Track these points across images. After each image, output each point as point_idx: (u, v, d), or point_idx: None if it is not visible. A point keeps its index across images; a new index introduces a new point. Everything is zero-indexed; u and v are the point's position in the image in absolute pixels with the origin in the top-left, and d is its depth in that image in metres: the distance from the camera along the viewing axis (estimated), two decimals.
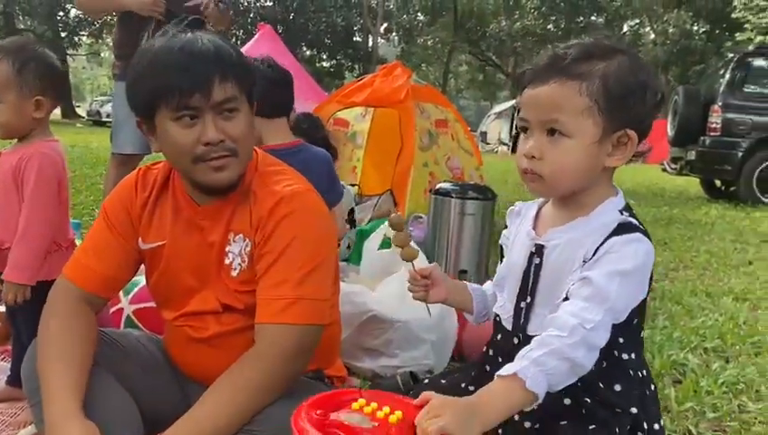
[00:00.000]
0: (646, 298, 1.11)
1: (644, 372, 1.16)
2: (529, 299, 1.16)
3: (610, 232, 1.05)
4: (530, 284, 1.16)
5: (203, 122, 1.27)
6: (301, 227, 1.32)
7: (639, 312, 1.12)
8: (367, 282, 2.33)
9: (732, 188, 8.53)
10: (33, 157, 1.66)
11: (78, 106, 34.66)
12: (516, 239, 1.24)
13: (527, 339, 1.11)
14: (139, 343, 1.53)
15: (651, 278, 1.10)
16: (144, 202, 1.44)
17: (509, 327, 1.20)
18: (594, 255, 1.05)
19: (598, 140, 1.06)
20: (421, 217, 3.71)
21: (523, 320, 1.17)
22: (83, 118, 27.61)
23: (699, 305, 3.18)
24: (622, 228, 1.06)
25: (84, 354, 1.33)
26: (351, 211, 3.31)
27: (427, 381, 1.39)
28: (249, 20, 30.82)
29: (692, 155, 8.34)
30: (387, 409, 0.97)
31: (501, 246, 1.32)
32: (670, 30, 27.64)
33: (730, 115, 7.92)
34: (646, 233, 1.08)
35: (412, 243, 1.41)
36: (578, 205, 1.13)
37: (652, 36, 31.47)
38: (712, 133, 8.00)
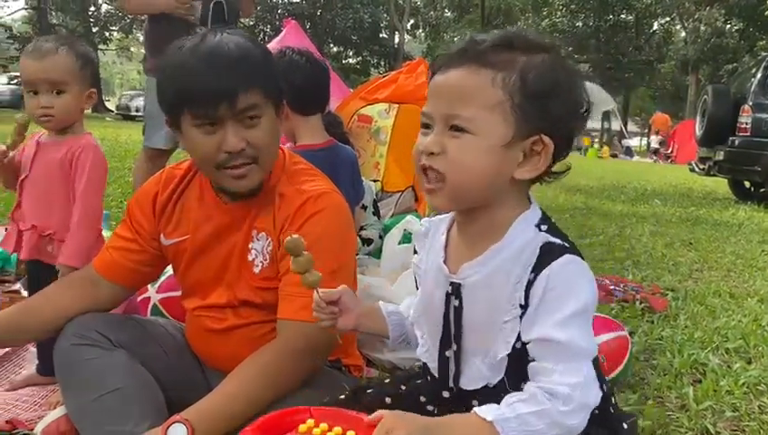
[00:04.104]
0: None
1: (613, 404, 1.05)
2: (455, 347, 1.03)
3: (534, 263, 0.93)
4: (452, 330, 1.02)
5: (224, 131, 1.29)
6: (326, 227, 1.35)
7: None
8: (387, 276, 2.36)
9: (761, 190, 8.38)
10: (87, 148, 1.72)
11: (107, 100, 35.21)
12: (428, 272, 1.08)
13: (462, 393, 1.02)
14: (165, 330, 1.58)
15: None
16: (168, 198, 1.50)
17: (437, 376, 1.08)
18: (528, 296, 0.93)
19: (507, 144, 0.92)
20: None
21: (454, 371, 1.04)
22: (113, 112, 28.04)
23: (722, 306, 3.15)
24: (546, 256, 0.92)
25: (42, 310, 1.48)
26: (375, 203, 3.34)
27: (371, 390, 1.24)
28: (277, 16, 31.00)
29: (720, 155, 8.21)
30: (338, 429, 0.96)
31: (415, 278, 1.16)
32: (702, 28, 27.19)
33: (761, 115, 7.77)
34: (572, 247, 0.95)
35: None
36: (487, 226, 0.98)
37: (683, 35, 30.97)
38: (741, 133, 7.86)
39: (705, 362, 2.35)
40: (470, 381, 1.01)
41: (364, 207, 3.13)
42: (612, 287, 3.20)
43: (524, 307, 0.93)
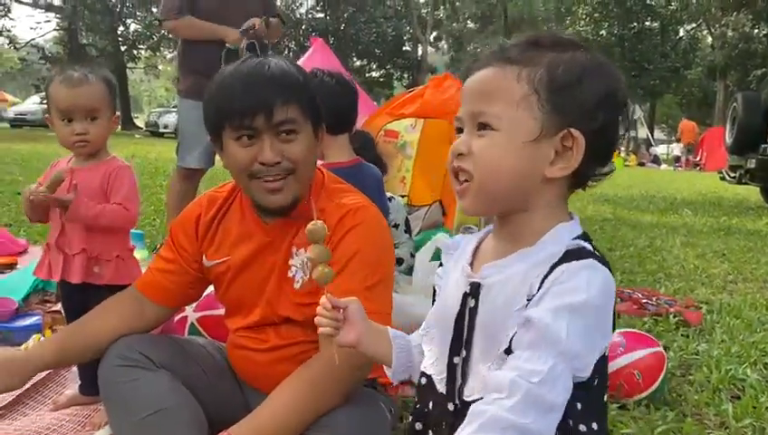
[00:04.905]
0: (606, 354, 0.90)
1: None
2: (464, 353, 0.94)
3: (557, 260, 0.87)
4: (464, 333, 0.94)
5: (261, 143, 1.33)
6: (365, 241, 1.37)
7: (601, 368, 0.89)
8: (419, 293, 2.37)
9: None
10: (123, 168, 1.79)
11: (136, 117, 35.75)
12: (450, 278, 1.02)
13: (465, 405, 0.92)
14: (205, 350, 1.61)
15: (615, 318, 0.90)
16: (211, 221, 1.54)
17: (443, 390, 0.97)
18: (539, 290, 0.85)
19: (534, 139, 0.88)
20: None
21: (459, 381, 0.95)
22: (141, 129, 28.52)
23: (759, 319, 3.09)
24: (571, 255, 0.87)
25: (91, 327, 1.53)
26: (406, 220, 3.36)
27: None
28: (301, 32, 31.36)
29: (752, 163, 8.07)
30: None
31: (434, 289, 1.09)
32: (729, 33, 26.81)
33: None
34: (603, 260, 0.88)
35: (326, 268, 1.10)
36: (520, 232, 0.93)
37: (709, 40, 30.59)
38: None
39: (744, 377, 2.31)
40: (473, 390, 0.93)
41: (396, 226, 3.15)
42: (645, 301, 3.17)
43: (532, 299, 0.86)
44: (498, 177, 0.89)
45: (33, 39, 31.93)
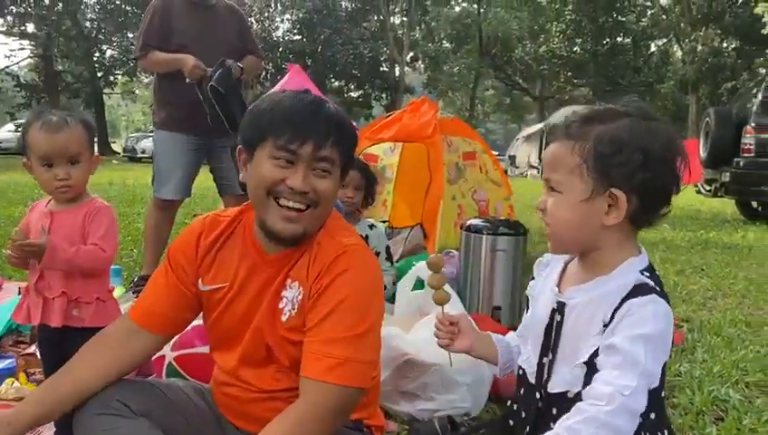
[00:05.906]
0: (665, 365, 1.14)
1: (665, 432, 1.18)
2: (551, 356, 1.23)
3: (626, 294, 1.11)
4: (552, 341, 1.23)
5: (295, 169, 1.33)
6: (357, 286, 1.35)
7: (660, 373, 1.14)
8: (401, 323, 2.35)
9: None
10: (102, 209, 1.76)
11: (113, 142, 35.49)
12: (542, 293, 1.30)
13: (548, 396, 1.21)
14: (185, 395, 1.57)
15: (673, 337, 1.14)
16: (210, 245, 1.51)
17: (533, 381, 1.27)
18: (612, 319, 1.11)
19: (587, 198, 1.13)
20: (452, 252, 3.72)
21: (546, 376, 1.23)
22: (119, 154, 28.29)
23: (739, 337, 3.12)
24: (638, 290, 1.11)
25: (88, 367, 1.46)
26: (387, 248, 3.35)
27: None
28: (279, 54, 31.42)
29: (726, 177, 8.22)
30: None
31: (527, 297, 1.38)
32: (699, 48, 27.37)
33: (764, 135, 7.80)
34: (662, 294, 1.12)
35: (446, 286, 1.45)
36: (596, 264, 1.19)
37: (680, 55, 31.19)
38: (746, 154, 7.89)
39: (726, 398, 2.32)
40: (555, 385, 1.20)
41: (377, 253, 3.14)
42: None
43: (607, 326, 1.11)
44: (563, 227, 1.18)
45: (8, 66, 31.64)
